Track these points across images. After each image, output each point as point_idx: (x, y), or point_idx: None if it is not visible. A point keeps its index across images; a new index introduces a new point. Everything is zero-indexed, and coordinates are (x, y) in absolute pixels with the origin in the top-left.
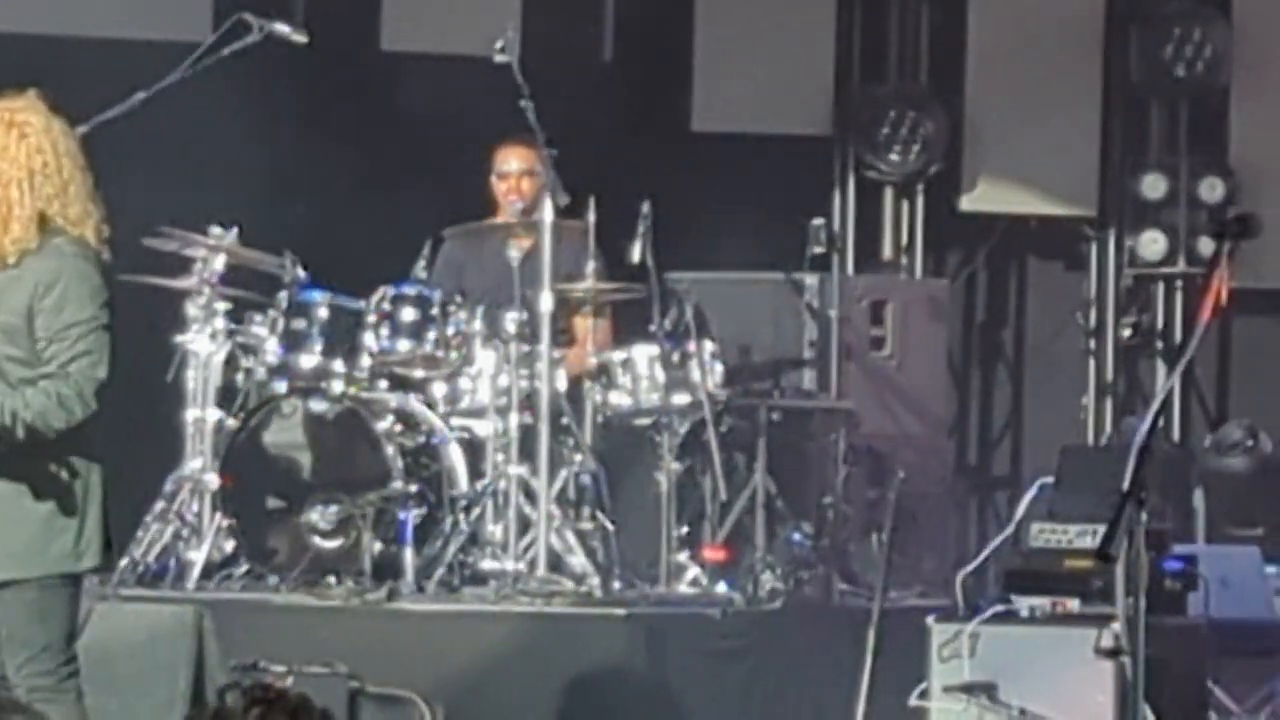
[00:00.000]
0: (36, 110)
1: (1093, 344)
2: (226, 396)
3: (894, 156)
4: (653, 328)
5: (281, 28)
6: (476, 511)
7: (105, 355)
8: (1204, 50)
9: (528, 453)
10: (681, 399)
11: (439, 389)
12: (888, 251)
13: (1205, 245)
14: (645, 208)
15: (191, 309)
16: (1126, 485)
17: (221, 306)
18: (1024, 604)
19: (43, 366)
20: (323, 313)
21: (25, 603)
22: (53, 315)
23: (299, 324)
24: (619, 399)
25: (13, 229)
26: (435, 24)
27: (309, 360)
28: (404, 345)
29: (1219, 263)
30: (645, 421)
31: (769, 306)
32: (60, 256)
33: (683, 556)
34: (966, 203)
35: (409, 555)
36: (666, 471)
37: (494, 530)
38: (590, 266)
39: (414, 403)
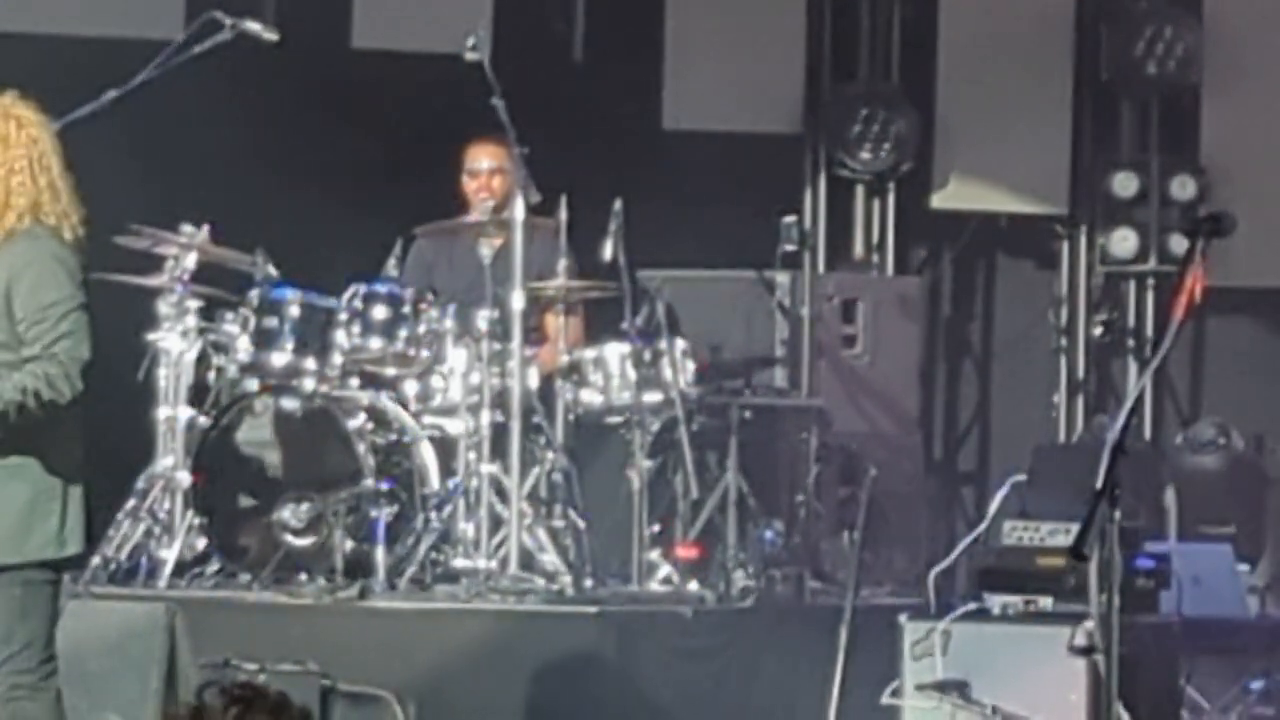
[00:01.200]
0: (27, 104)
1: (1064, 342)
2: (198, 394)
3: (865, 154)
4: (624, 326)
5: (252, 26)
6: (448, 509)
7: (87, 335)
8: (1175, 48)
9: (499, 451)
10: (653, 397)
11: (411, 387)
12: (859, 249)
13: (1176, 243)
14: (616, 206)
15: (163, 307)
16: (1099, 483)
17: (193, 304)
18: (996, 602)
19: (26, 349)
20: (294, 311)
21: (8, 599)
22: (30, 297)
23: (270, 322)
24: (590, 397)
25: (8, 217)
26: (406, 22)
27: (280, 358)
28: (375, 343)
29: (1192, 261)
30: (617, 419)
31: (740, 304)
32: (33, 238)
33: (654, 555)
34: (938, 200)
35: (380, 553)
36: (638, 469)
37: (466, 528)
38: (561, 264)
39: (385, 401)
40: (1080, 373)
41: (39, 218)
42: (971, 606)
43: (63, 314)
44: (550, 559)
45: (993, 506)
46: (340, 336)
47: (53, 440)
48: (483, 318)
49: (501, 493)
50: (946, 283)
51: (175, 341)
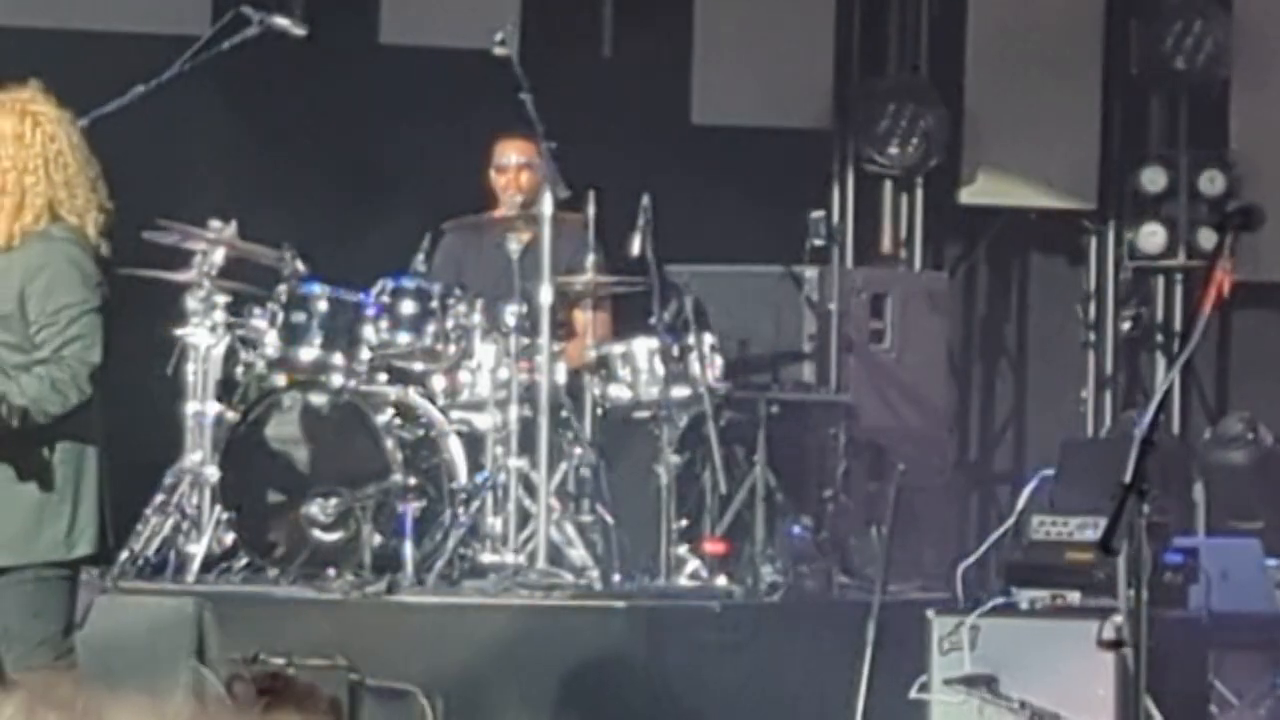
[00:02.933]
0: (46, 100)
1: (1092, 337)
2: (226, 390)
3: (893, 149)
4: (652, 320)
5: (280, 21)
6: (476, 504)
7: (98, 339)
8: (1204, 43)
9: (527, 445)
10: (681, 392)
11: (439, 382)
12: (887, 245)
13: (1205, 238)
14: (645, 200)
15: (191, 302)
16: (1128, 478)
17: (221, 300)
18: (1024, 596)
19: (36, 352)
20: (322, 306)
21: (19, 596)
22: (43, 299)
23: (298, 317)
24: (618, 392)
25: (24, 217)
26: (434, 17)
27: (309, 353)
28: (404, 338)
29: (1220, 255)
30: (645, 414)
31: (769, 299)
32: (49, 240)
33: (682, 549)
34: (966, 196)
35: (409, 548)
36: (666, 464)
37: (494, 523)
38: (590, 259)
39: (413, 396)
40: (1108, 368)
41: (57, 217)
42: (1000, 601)
43: (73, 318)
44: (578, 554)
45: (1021, 501)
46: (368, 331)
47: (64, 442)
48: (511, 313)
49: (529, 487)
50: (977, 278)
51: (203, 337)
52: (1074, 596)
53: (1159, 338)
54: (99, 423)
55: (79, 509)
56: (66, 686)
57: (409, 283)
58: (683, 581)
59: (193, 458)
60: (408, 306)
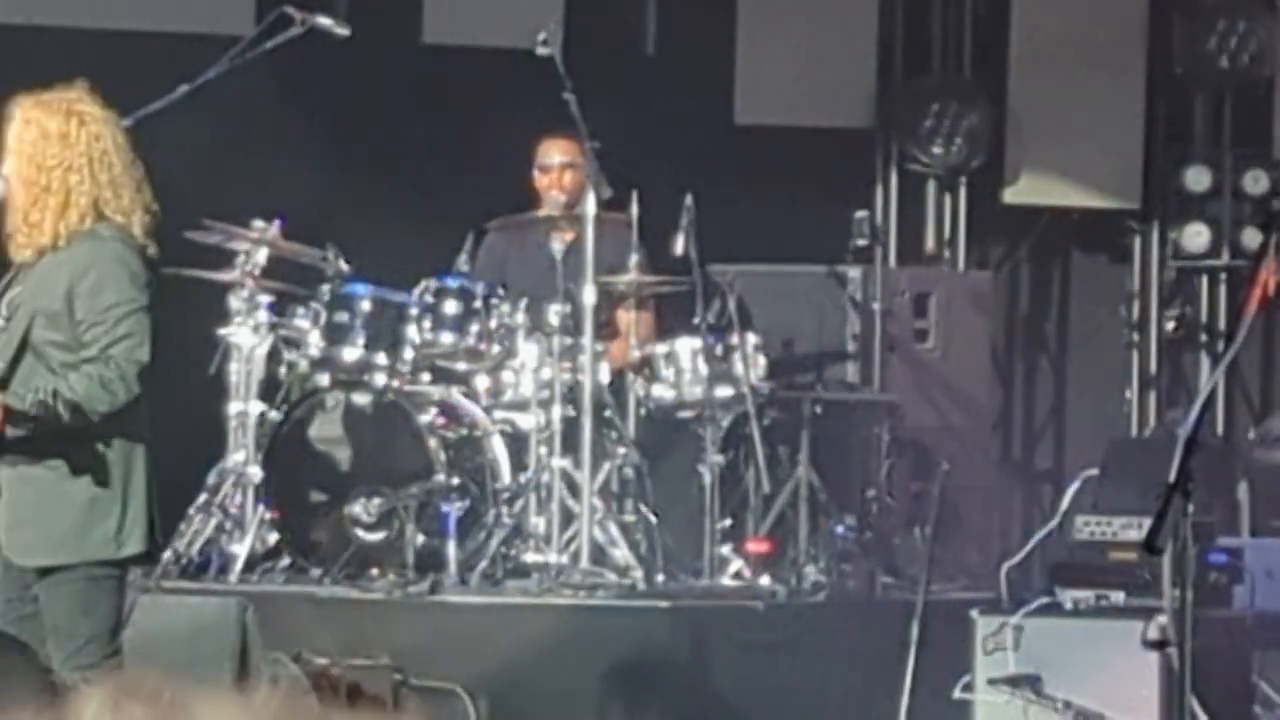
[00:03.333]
0: (92, 100)
1: (1136, 337)
2: (269, 389)
3: (937, 149)
4: (696, 320)
5: (324, 21)
6: (519, 504)
7: (146, 338)
8: (1249, 42)
9: (571, 445)
10: (724, 392)
11: (482, 382)
12: (931, 244)
13: (1249, 237)
14: (688, 200)
15: (234, 302)
16: (1172, 477)
17: (264, 299)
18: (1069, 596)
19: (84, 351)
20: (365, 306)
21: (69, 594)
22: (91, 298)
23: (341, 317)
24: (662, 392)
25: (69, 216)
26: (477, 16)
27: (352, 353)
28: (447, 338)
29: (1265, 255)
30: (688, 414)
31: (812, 299)
32: (97, 239)
33: (726, 549)
34: (1010, 195)
35: (452, 548)
36: (709, 464)
37: (537, 523)
38: (633, 259)
39: (457, 395)
40: (1152, 368)
41: (103, 216)
42: (1044, 601)
43: (121, 316)
44: (622, 553)
45: (1065, 501)
46: (412, 331)
47: (112, 441)
48: (554, 312)
49: (573, 487)
50: (1021, 278)
51: (247, 336)
52: (1118, 596)
53: (1203, 337)
54: (146, 422)
55: (128, 507)
56: (152, 680)
57: (452, 282)
58: (726, 581)
59: (236, 457)
60: (451, 306)
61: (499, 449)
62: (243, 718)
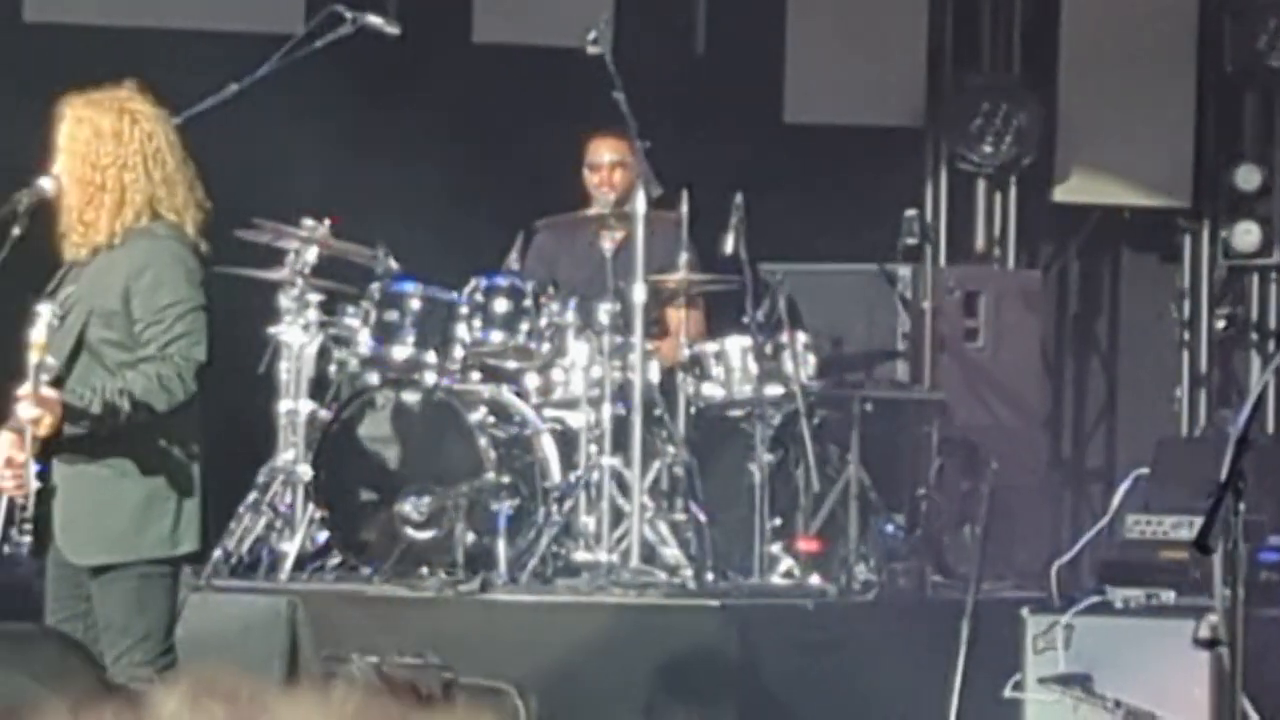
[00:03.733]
0: (145, 99)
1: (1187, 335)
2: (319, 388)
3: (987, 148)
4: (745, 319)
5: (374, 20)
6: (569, 503)
7: (204, 336)
8: None
9: (621, 444)
10: (774, 390)
11: (532, 380)
12: (980, 243)
13: None
14: (738, 199)
15: (284, 300)
16: (1224, 476)
17: (314, 298)
18: (1119, 595)
19: (141, 349)
20: (415, 304)
21: (124, 592)
22: (148, 297)
23: (391, 315)
24: (712, 390)
25: (125, 214)
26: (527, 15)
27: (402, 352)
28: (497, 337)
29: None
30: (738, 413)
31: (862, 298)
32: (153, 238)
33: (776, 548)
34: (1060, 194)
35: (502, 546)
36: (759, 463)
37: (587, 521)
38: (683, 258)
39: (506, 394)
40: (1203, 366)
41: (157, 215)
42: (1094, 600)
43: (179, 315)
44: (672, 552)
45: (1115, 500)
46: (461, 330)
47: (168, 439)
48: (604, 311)
49: (623, 486)
50: (1071, 277)
51: (296, 335)
52: (1169, 595)
53: (1254, 336)
54: (200, 420)
55: (184, 505)
56: (231, 677)
57: (502, 281)
58: (776, 580)
59: (285, 456)
60: (501, 305)
61: (549, 447)
62: (322, 715)
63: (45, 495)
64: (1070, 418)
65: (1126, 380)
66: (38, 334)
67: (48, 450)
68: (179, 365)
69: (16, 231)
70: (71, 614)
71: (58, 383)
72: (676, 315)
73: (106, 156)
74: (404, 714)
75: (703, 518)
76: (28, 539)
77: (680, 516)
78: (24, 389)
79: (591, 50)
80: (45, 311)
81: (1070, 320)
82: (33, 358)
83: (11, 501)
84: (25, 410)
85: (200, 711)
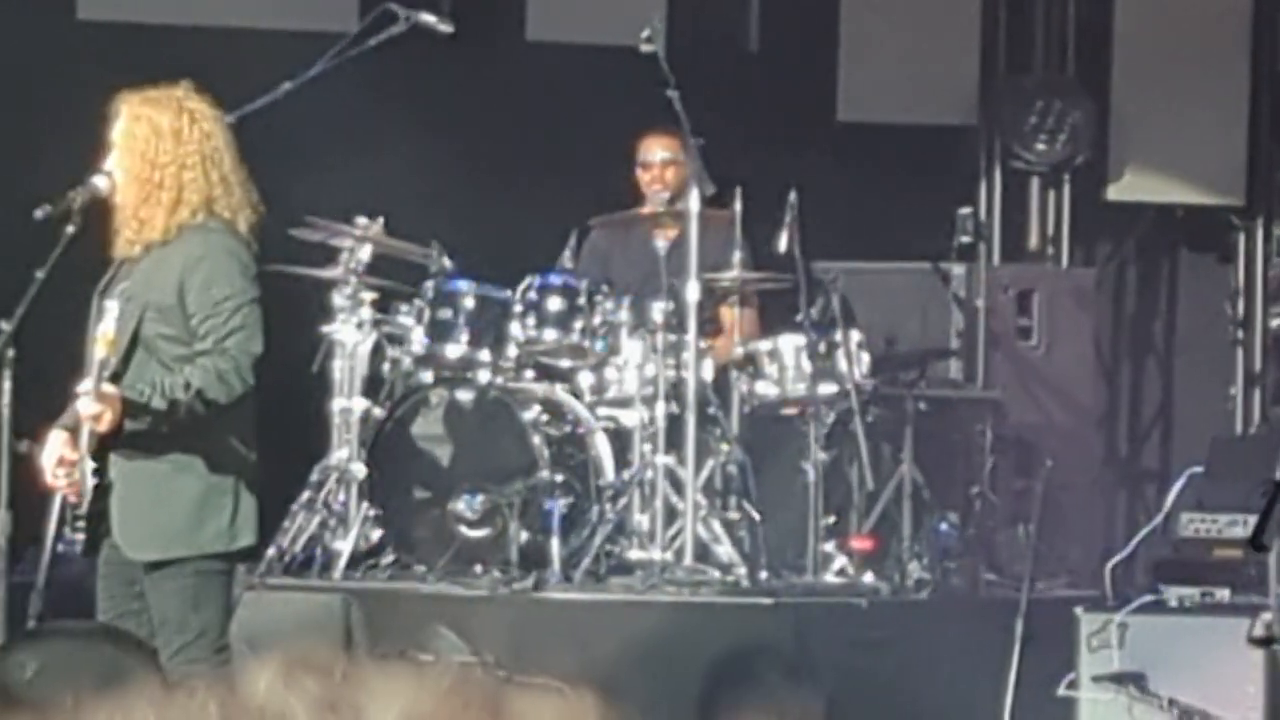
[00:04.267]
0: (201, 97)
1: (1241, 334)
2: (373, 386)
3: (1040, 146)
4: (799, 317)
5: (427, 18)
6: (623, 501)
7: (259, 330)
8: None
9: (674, 442)
10: (828, 389)
11: (585, 379)
12: (1034, 241)
13: None
14: (791, 197)
15: (338, 299)
16: (1278, 474)
17: (367, 296)
18: (1173, 594)
19: (198, 343)
20: (469, 303)
21: (180, 588)
22: (203, 291)
23: (445, 314)
24: (765, 389)
25: (181, 212)
26: (580, 14)
27: (455, 350)
28: (550, 335)
29: None
30: (792, 411)
31: (915, 296)
32: (206, 233)
33: (829, 546)
34: (1113, 192)
35: (555, 545)
36: (813, 461)
37: (641, 520)
38: (737, 256)
39: (560, 392)
40: (1257, 365)
41: (213, 212)
42: (1148, 598)
43: (235, 308)
44: (725, 551)
45: (1169, 499)
46: (515, 328)
47: (224, 434)
48: (658, 309)
49: (677, 484)
50: (1125, 275)
51: (350, 333)
52: (1223, 594)
53: None
54: (255, 414)
55: (240, 501)
56: (325, 653)
57: (556, 279)
58: (829, 578)
59: (339, 454)
60: (554, 303)
61: (602, 446)
62: (416, 692)
63: (101, 492)
64: (1125, 416)
65: (1181, 378)
66: (106, 329)
67: (104, 446)
68: (236, 359)
69: (71, 230)
70: (124, 611)
71: (114, 378)
72: (730, 314)
73: (165, 155)
74: (495, 690)
75: (756, 516)
76: (80, 537)
77: (734, 515)
78: (85, 384)
79: (645, 48)
80: (112, 307)
81: (1124, 318)
82: (99, 352)
83: (64, 500)
84: (86, 406)
85: (295, 686)
